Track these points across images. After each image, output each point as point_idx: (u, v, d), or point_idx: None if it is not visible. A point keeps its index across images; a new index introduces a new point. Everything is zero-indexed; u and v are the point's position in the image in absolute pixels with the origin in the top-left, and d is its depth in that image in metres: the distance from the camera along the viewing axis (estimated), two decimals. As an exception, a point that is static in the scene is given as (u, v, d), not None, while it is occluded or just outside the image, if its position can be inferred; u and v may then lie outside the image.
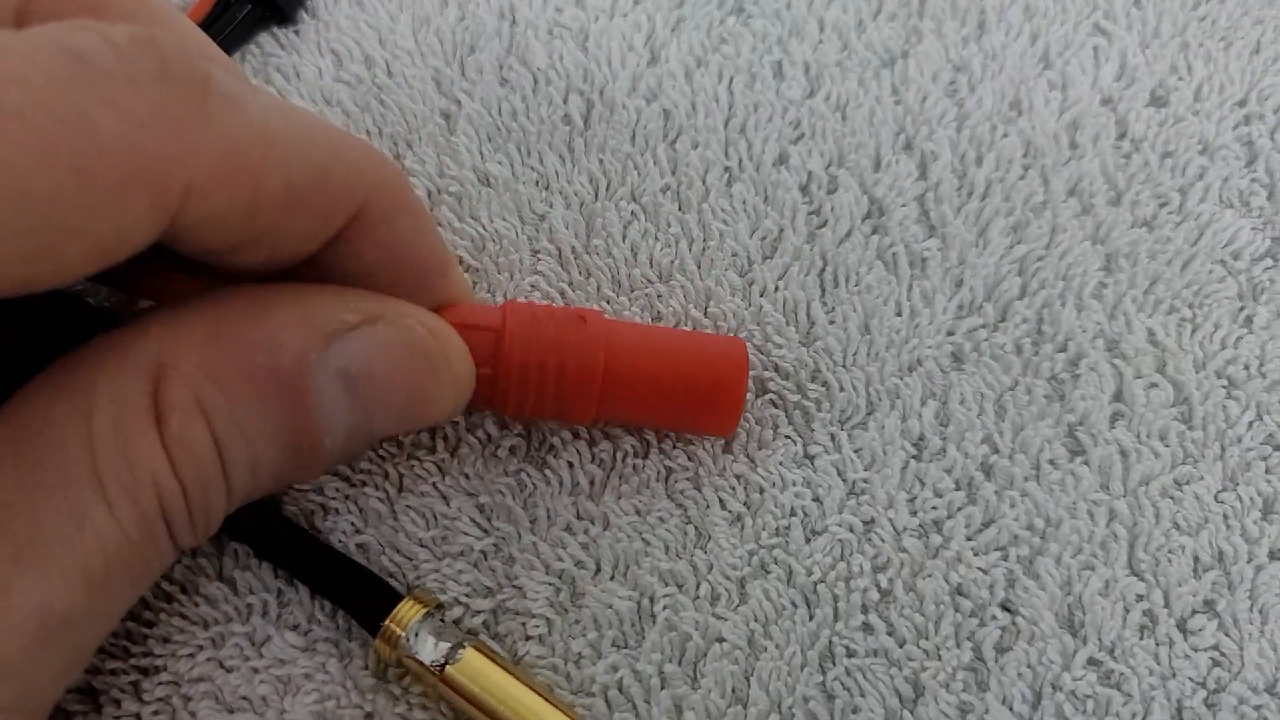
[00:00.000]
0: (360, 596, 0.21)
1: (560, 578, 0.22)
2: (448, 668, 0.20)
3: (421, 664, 0.20)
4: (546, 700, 0.20)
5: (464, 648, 0.20)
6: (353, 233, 0.18)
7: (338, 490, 0.22)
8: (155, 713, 0.21)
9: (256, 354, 0.17)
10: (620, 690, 0.21)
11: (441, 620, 0.21)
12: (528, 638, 0.22)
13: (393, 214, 0.18)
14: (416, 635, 0.21)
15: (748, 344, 0.24)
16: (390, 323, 0.19)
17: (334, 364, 0.18)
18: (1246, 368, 0.25)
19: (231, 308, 0.18)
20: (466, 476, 0.23)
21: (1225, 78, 0.27)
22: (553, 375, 0.21)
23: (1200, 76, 0.27)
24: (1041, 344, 0.25)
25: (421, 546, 0.22)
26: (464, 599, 0.22)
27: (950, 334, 0.25)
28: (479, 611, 0.22)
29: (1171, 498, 0.24)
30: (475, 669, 0.20)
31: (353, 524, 0.22)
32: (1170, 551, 0.23)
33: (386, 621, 0.21)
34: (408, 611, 0.21)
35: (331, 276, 0.18)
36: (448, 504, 0.23)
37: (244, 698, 0.21)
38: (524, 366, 0.21)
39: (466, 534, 0.22)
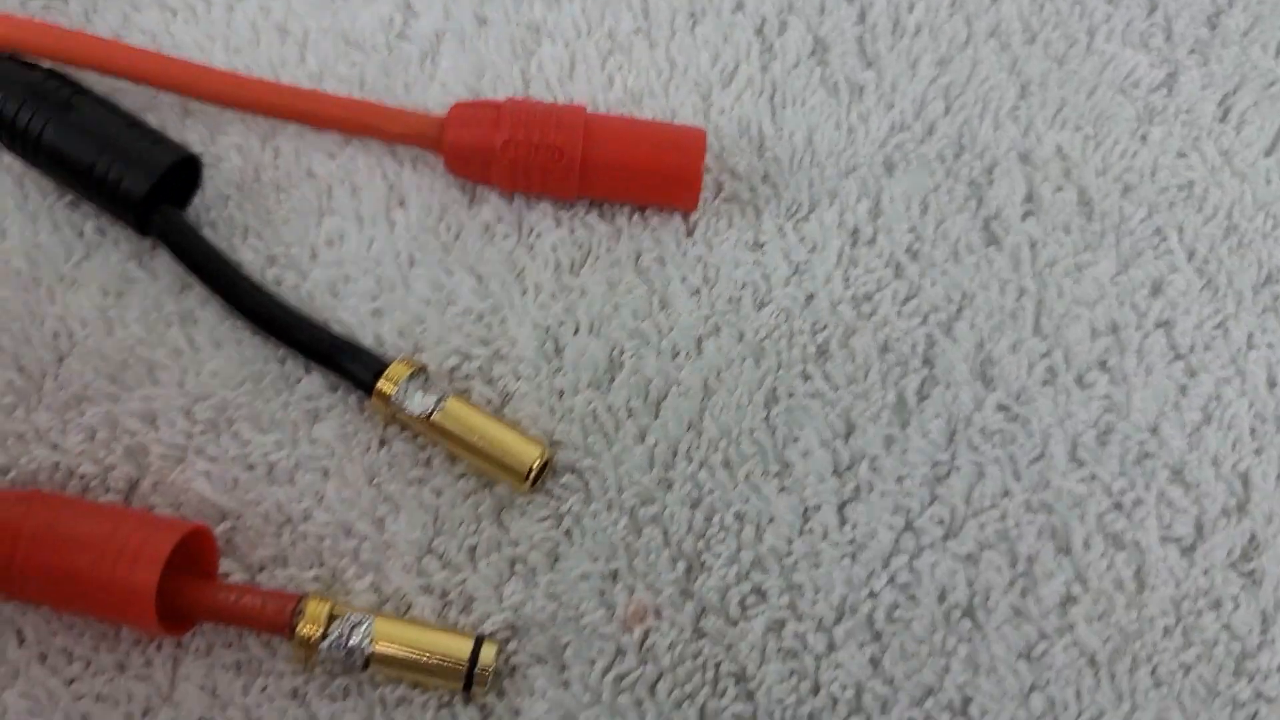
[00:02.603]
0: (354, 364, 0.25)
1: (545, 333, 0.26)
2: (433, 415, 0.24)
3: (411, 415, 0.24)
4: (518, 434, 0.24)
5: (446, 399, 0.24)
6: None
7: (355, 263, 0.27)
8: (203, 432, 0.25)
9: None
10: (594, 419, 0.25)
11: (425, 379, 0.25)
12: (518, 378, 0.26)
13: None
14: (405, 392, 0.24)
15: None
16: None
17: None
18: (1140, 175, 0.29)
19: None
20: (467, 256, 0.27)
21: (1129, -60, 0.31)
22: (540, 151, 0.25)
23: (1107, -61, 0.31)
24: (962, 154, 0.29)
25: (429, 307, 0.26)
26: (464, 349, 0.26)
27: (883, 146, 0.29)
28: (476, 358, 0.26)
29: (1073, 278, 0.27)
30: (457, 414, 0.24)
31: (369, 291, 0.26)
32: (1071, 319, 0.27)
33: (379, 383, 0.25)
34: (396, 373, 0.25)
35: None
36: (450, 275, 0.27)
37: (276, 421, 0.25)
38: (515, 142, 0.25)
39: (467, 298, 0.26)
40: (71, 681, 0.23)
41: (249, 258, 0.27)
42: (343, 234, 0.27)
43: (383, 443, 0.25)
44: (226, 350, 0.26)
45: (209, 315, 0.26)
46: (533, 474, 0.24)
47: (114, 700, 0.23)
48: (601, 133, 0.26)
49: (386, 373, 0.24)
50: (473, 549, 0.24)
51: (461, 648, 0.22)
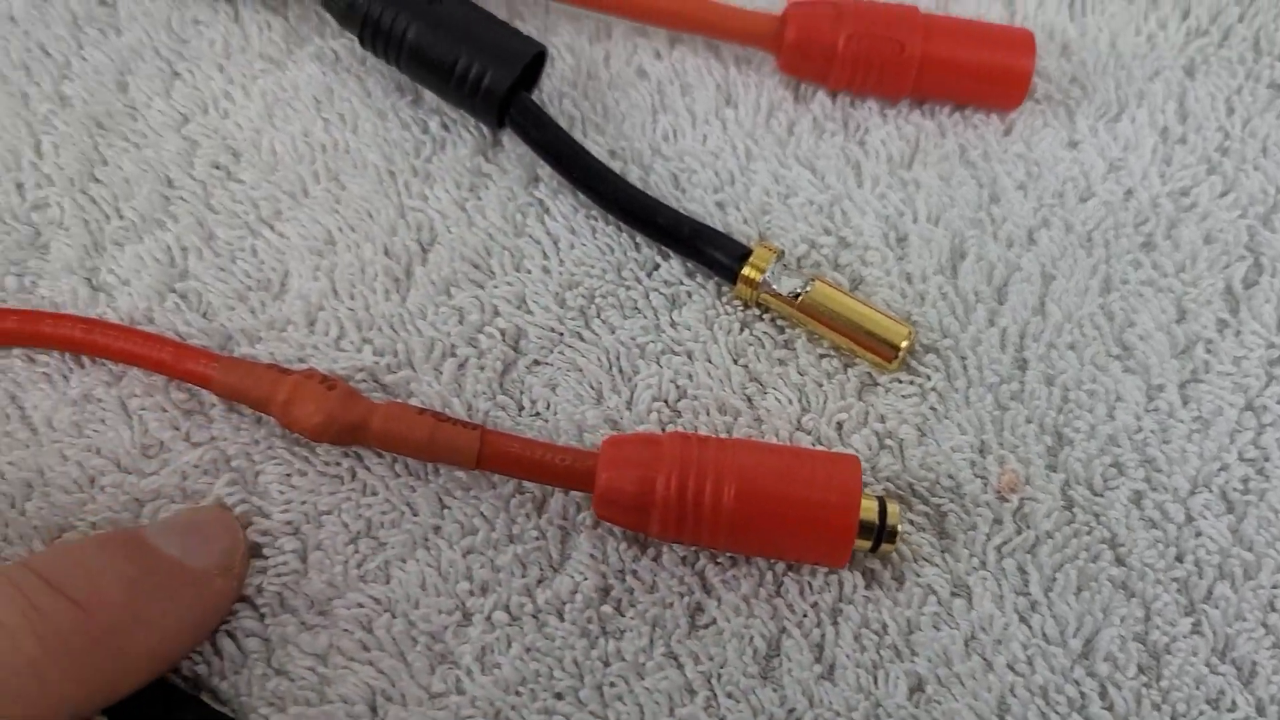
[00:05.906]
0: (717, 250, 0.26)
1: (887, 222, 0.27)
2: (802, 296, 0.25)
3: (779, 296, 0.25)
4: (884, 315, 0.25)
5: (813, 280, 0.25)
6: None
7: (695, 157, 0.27)
8: (573, 318, 0.26)
9: None
10: (946, 303, 0.26)
11: (785, 265, 0.26)
12: (865, 264, 0.27)
13: None
14: (774, 275, 0.25)
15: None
16: None
17: None
18: None
19: None
20: (802, 151, 0.28)
21: None
22: (883, 45, 0.26)
23: None
24: (1260, 58, 0.29)
25: (771, 198, 0.27)
26: (809, 237, 0.27)
27: (1183, 50, 0.29)
28: (823, 246, 0.27)
29: (1376, 174, 0.28)
30: (826, 295, 0.25)
31: (711, 183, 0.27)
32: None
33: (744, 270, 0.25)
34: (761, 258, 0.25)
35: None
36: (788, 169, 0.27)
37: (639, 307, 0.26)
38: (858, 37, 0.26)
39: (807, 190, 0.27)
40: (469, 553, 0.24)
41: (592, 150, 0.27)
42: (677, 130, 0.28)
43: (743, 326, 0.26)
44: (583, 238, 0.26)
45: (561, 206, 0.27)
46: (901, 351, 0.25)
47: (509, 570, 0.24)
48: (938, 30, 0.27)
49: (752, 257, 0.25)
50: (840, 424, 0.25)
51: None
